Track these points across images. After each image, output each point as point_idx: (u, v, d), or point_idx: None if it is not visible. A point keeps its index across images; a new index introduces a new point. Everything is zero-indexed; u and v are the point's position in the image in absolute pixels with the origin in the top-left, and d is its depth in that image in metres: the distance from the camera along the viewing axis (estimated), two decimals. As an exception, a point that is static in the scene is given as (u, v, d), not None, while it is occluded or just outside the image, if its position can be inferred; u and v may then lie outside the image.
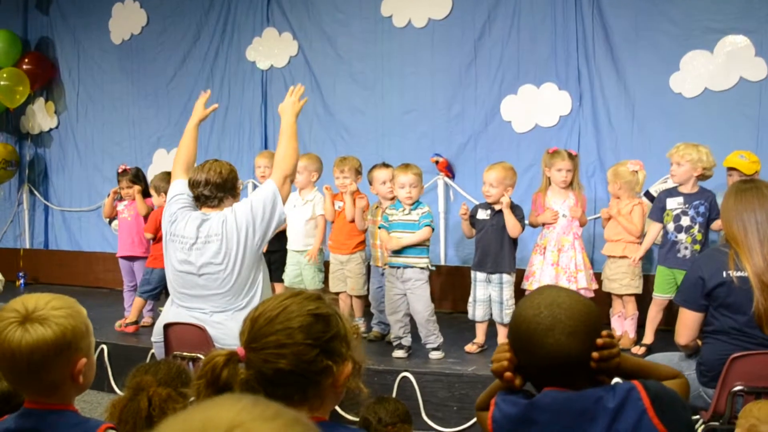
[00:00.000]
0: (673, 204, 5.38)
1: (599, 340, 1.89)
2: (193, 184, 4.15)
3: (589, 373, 1.90)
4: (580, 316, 1.88)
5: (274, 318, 1.75)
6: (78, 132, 9.89)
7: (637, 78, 6.74)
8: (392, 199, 5.74)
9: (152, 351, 4.71)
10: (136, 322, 6.41)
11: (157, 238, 6.26)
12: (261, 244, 4.06)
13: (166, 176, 6.37)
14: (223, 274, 3.99)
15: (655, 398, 1.84)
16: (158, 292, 6.40)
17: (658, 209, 5.44)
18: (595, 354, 1.88)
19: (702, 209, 5.30)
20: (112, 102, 9.60)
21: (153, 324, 5.28)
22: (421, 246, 5.38)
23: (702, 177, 5.37)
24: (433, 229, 5.42)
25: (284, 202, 4.10)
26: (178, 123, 9.05)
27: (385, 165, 6.02)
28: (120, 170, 7.08)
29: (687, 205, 5.33)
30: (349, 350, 1.82)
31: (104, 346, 5.97)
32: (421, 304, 5.33)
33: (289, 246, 6.08)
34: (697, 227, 5.30)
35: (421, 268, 5.34)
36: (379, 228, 5.58)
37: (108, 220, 8.81)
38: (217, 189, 4.12)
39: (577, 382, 1.90)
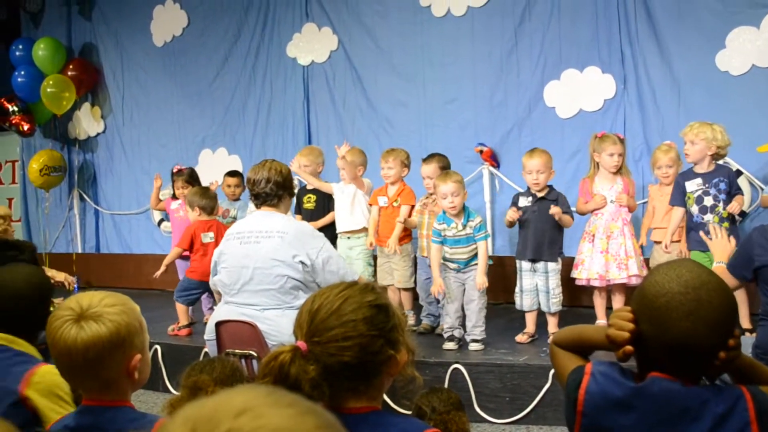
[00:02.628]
0: (693, 186, 5.31)
1: (731, 341, 1.79)
2: (253, 183, 4.24)
3: (707, 366, 1.82)
4: (724, 310, 1.78)
5: (336, 310, 1.75)
6: (124, 135, 10.08)
7: (681, 57, 6.66)
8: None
9: (205, 349, 4.78)
10: (188, 325, 6.48)
11: (193, 250, 6.37)
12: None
13: (200, 191, 6.48)
14: (279, 270, 4.03)
15: (761, 412, 1.77)
16: (195, 299, 6.47)
17: (678, 194, 5.37)
18: (722, 354, 1.78)
19: (723, 186, 5.24)
20: (157, 104, 9.76)
21: None
22: (474, 254, 5.37)
23: (717, 156, 5.31)
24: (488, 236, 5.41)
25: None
26: (222, 122, 9.17)
27: (433, 157, 6.02)
28: (175, 170, 7.19)
29: (707, 185, 5.26)
30: (403, 338, 1.83)
31: (157, 347, 6.08)
32: (477, 294, 5.34)
33: (338, 230, 6.15)
34: (721, 204, 5.24)
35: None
36: (433, 243, 5.50)
37: (158, 222, 8.95)
38: (277, 187, 4.22)
39: (690, 372, 1.82)
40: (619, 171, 5.60)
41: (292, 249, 4.05)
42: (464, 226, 5.33)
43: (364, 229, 6.15)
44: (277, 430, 0.90)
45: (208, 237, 6.32)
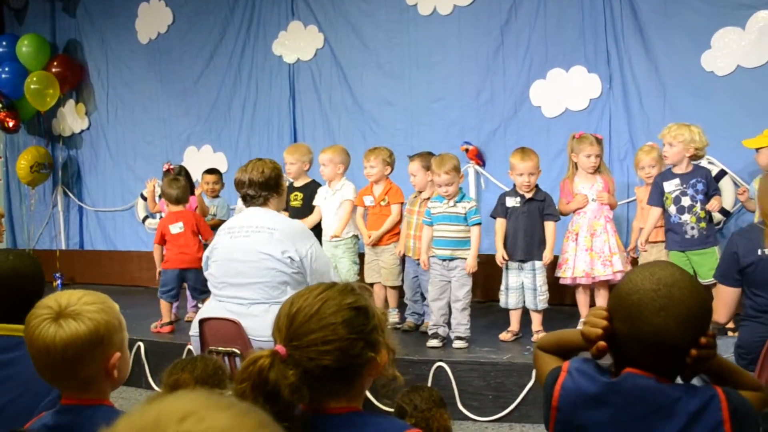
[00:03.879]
0: (671, 186, 5.37)
1: (703, 339, 1.83)
2: (238, 185, 4.30)
3: (680, 364, 1.85)
4: (695, 307, 1.82)
5: (315, 313, 1.73)
6: (109, 132, 10.02)
7: (667, 57, 6.68)
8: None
9: (189, 346, 4.78)
10: (170, 323, 6.47)
11: (165, 242, 6.40)
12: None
13: (169, 181, 6.50)
14: (267, 263, 4.06)
15: (735, 412, 1.80)
16: (175, 293, 6.44)
17: (656, 193, 5.43)
18: (693, 351, 1.82)
19: (700, 186, 5.30)
20: (142, 101, 9.71)
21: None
22: (467, 238, 5.40)
23: (694, 157, 5.37)
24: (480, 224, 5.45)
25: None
26: (207, 120, 9.14)
27: (418, 155, 6.03)
28: (164, 169, 7.16)
29: (684, 185, 5.32)
30: (384, 338, 1.82)
31: (141, 344, 6.05)
32: (463, 292, 5.36)
33: (324, 237, 6.10)
34: (698, 205, 5.30)
35: (465, 259, 5.36)
36: (424, 223, 5.57)
37: (142, 218, 8.93)
38: (260, 188, 4.25)
39: (664, 369, 1.85)
40: (597, 170, 5.63)
41: (282, 245, 4.08)
42: (455, 204, 5.36)
43: (354, 236, 6.15)
44: (223, 430, 0.93)
45: (177, 227, 6.32)
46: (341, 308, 1.75)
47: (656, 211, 5.43)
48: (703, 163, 5.67)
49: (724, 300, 3.58)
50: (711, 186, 5.35)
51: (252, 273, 4.09)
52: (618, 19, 6.87)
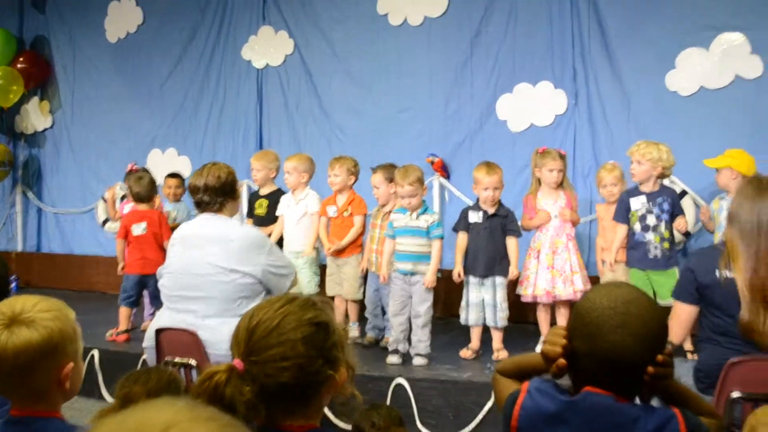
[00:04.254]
0: (637, 204, 5.40)
1: (659, 357, 1.87)
2: (192, 190, 4.17)
3: (637, 383, 1.89)
4: (653, 325, 1.87)
5: (275, 328, 1.71)
6: (73, 132, 9.88)
7: (632, 76, 6.74)
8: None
9: (144, 357, 4.67)
10: (126, 331, 6.36)
11: (128, 242, 6.30)
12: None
13: (135, 178, 6.40)
14: (221, 277, 3.98)
15: None
16: (135, 300, 6.36)
17: (622, 210, 5.45)
18: (650, 368, 1.86)
19: (666, 206, 5.35)
20: (108, 101, 9.59)
21: None
22: (429, 252, 5.38)
23: (662, 176, 5.42)
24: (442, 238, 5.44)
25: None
26: (173, 123, 9.07)
27: (381, 167, 6.01)
28: (127, 170, 7.06)
29: (651, 204, 5.36)
30: (343, 355, 1.80)
31: (95, 352, 5.92)
32: (423, 308, 5.33)
33: (285, 248, 6.04)
34: (663, 225, 5.34)
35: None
36: (386, 236, 5.55)
37: (102, 221, 8.80)
38: (216, 193, 4.14)
39: (622, 387, 1.88)
40: (560, 185, 5.65)
41: (236, 257, 3.99)
42: (417, 217, 5.35)
43: (314, 249, 6.10)
44: None
45: (140, 228, 6.23)
46: (301, 323, 1.73)
47: (623, 229, 5.43)
48: (666, 182, 5.73)
49: (679, 317, 3.54)
50: (676, 206, 5.39)
51: (206, 287, 4.00)
52: (585, 36, 6.93)
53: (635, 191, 5.45)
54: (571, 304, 5.47)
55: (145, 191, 6.33)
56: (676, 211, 5.37)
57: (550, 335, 1.97)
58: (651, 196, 5.36)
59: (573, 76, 7.01)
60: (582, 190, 6.65)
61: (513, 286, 5.65)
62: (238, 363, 1.69)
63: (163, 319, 4.18)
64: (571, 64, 7.00)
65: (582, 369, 1.91)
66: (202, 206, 4.18)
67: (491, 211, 5.51)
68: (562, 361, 1.91)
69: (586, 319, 1.88)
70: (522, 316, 6.20)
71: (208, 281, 3.98)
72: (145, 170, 7.13)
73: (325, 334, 1.76)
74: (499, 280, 5.49)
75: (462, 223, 5.62)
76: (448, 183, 7.42)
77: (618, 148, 6.63)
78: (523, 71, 7.21)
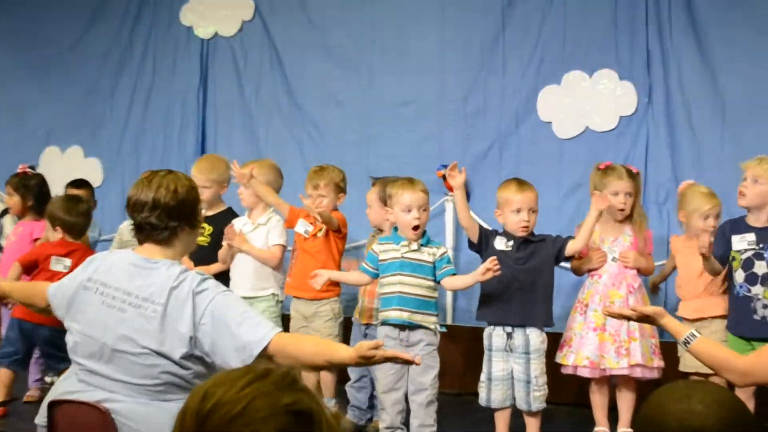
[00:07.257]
0: (742, 243, 5.35)
1: None
2: (134, 207, 3.99)
3: None
4: None
5: (238, 415, 1.65)
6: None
7: (730, 65, 6.74)
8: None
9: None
10: (4, 403, 6.26)
11: (33, 274, 6.20)
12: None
13: (65, 203, 6.35)
14: (148, 360, 3.86)
15: None
16: (21, 358, 6.27)
17: (721, 245, 5.35)
18: None
19: None
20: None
21: (40, 400, 5.16)
22: (434, 298, 5.33)
23: None
24: None
25: None
26: (79, 110, 9.07)
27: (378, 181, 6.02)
28: (19, 171, 7.06)
29: (761, 246, 5.29)
30: None
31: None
32: (428, 378, 5.25)
33: (236, 288, 5.93)
34: None
35: (431, 330, 5.27)
36: (362, 270, 5.49)
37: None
38: (170, 215, 3.96)
39: None
40: (628, 218, 5.62)
41: (168, 330, 3.86)
42: (420, 248, 5.30)
43: (273, 294, 6.08)
44: None
45: (61, 264, 6.14)
46: (276, 411, 1.67)
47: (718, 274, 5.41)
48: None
49: None
50: None
51: (125, 368, 3.86)
52: (664, 8, 6.94)
53: (742, 224, 5.40)
54: (637, 383, 5.40)
55: (80, 221, 6.33)
56: None
57: None
58: (762, 234, 5.30)
59: (646, 65, 7.03)
60: (656, 222, 6.60)
61: (551, 350, 5.56)
62: None
63: (64, 386, 4.06)
64: (643, 47, 7.02)
65: None
66: (144, 232, 4.01)
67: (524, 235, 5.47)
68: None
69: None
70: (563, 393, 6.08)
71: (128, 362, 3.83)
72: (37, 175, 7.08)
73: (307, 427, 1.69)
74: (535, 342, 5.39)
75: (484, 246, 5.56)
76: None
77: (708, 164, 6.61)
78: (576, 55, 7.24)
